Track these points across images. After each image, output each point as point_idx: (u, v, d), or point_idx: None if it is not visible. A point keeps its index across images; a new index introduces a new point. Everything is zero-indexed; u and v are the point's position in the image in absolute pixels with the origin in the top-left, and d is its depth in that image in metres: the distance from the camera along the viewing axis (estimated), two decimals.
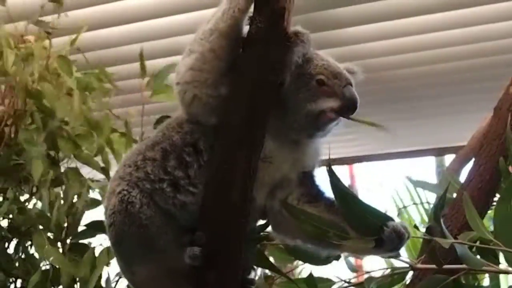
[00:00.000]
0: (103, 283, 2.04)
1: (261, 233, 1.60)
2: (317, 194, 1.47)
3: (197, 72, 1.35)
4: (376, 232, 1.33)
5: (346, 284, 1.67)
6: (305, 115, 1.39)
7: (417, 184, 1.74)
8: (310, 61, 1.41)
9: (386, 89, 3.05)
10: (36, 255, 2.10)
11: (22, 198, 2.19)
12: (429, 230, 1.79)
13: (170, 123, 1.47)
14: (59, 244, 2.02)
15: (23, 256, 2.13)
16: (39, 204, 2.20)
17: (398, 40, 2.79)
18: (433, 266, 1.51)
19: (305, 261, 1.68)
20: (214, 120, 1.38)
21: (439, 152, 3.92)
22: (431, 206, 1.97)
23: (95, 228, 2.05)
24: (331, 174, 1.36)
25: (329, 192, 1.46)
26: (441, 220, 1.42)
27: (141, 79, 2.25)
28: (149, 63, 2.29)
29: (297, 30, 1.33)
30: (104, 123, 2.11)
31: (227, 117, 1.36)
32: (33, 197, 2.18)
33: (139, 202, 1.38)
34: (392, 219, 1.35)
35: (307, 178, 1.48)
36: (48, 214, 2.02)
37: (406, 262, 1.56)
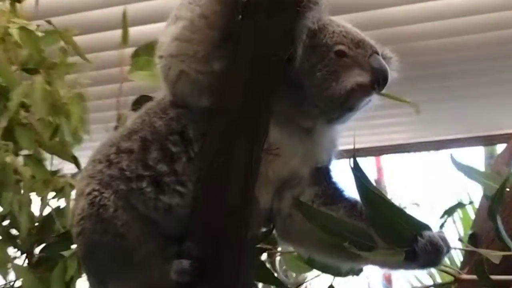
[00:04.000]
0: None
1: (265, 241, 1.59)
2: (335, 194, 1.45)
3: (185, 43, 1.32)
4: (408, 242, 1.31)
5: None
6: (329, 97, 1.36)
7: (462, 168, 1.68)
8: (324, 29, 1.37)
9: (415, 64, 2.95)
10: None
11: None
12: (473, 237, 1.76)
13: (151, 107, 1.44)
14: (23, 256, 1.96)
15: None
16: None
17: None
18: None
19: (323, 271, 1.67)
20: (205, 102, 1.35)
21: (487, 141, 3.85)
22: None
23: (68, 239, 1.97)
24: (356, 169, 1.32)
25: (349, 192, 1.45)
26: (498, 219, 1.40)
27: (119, 50, 2.13)
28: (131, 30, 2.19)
29: None
30: (74, 107, 2.01)
31: (222, 98, 1.33)
32: None
33: (113, 205, 1.35)
34: (429, 228, 1.33)
35: (322, 174, 1.45)
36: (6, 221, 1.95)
37: (449, 273, 1.56)
